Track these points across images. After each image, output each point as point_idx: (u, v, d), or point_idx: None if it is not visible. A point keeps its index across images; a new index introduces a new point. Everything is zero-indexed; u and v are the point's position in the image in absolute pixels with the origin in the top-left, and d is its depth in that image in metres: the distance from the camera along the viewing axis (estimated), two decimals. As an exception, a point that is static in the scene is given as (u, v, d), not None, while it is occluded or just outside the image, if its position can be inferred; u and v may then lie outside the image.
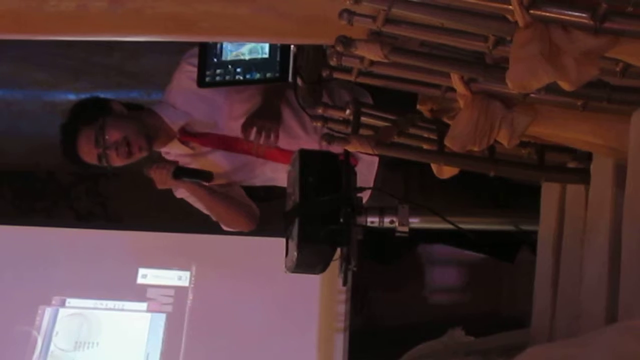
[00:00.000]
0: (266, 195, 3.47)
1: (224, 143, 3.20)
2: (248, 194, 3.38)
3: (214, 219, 3.33)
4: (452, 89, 1.89)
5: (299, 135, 3.16)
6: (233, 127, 3.15)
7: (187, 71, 3.05)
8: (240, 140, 3.16)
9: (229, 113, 3.15)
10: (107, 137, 3.02)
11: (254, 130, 3.08)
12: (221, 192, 3.26)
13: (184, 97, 3.13)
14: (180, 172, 3.13)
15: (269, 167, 3.23)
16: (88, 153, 3.05)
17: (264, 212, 3.39)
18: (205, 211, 3.29)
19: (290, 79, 2.55)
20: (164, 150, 3.22)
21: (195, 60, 2.69)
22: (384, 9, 1.59)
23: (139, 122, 3.10)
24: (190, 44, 2.96)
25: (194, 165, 3.23)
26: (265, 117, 3.11)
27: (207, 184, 3.20)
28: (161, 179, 3.12)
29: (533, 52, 1.42)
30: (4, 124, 4.51)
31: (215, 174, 3.22)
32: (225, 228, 3.37)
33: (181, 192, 3.27)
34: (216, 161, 3.22)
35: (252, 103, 3.14)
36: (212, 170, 3.21)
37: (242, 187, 3.36)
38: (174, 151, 3.21)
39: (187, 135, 3.19)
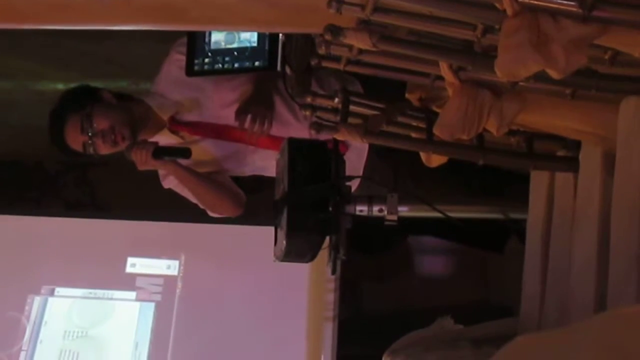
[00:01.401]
0: (256, 186, 3.46)
1: (214, 131, 3.19)
2: (238, 185, 3.37)
3: (200, 206, 3.32)
4: (441, 78, 1.89)
5: (290, 123, 3.15)
6: (223, 116, 3.15)
7: (177, 60, 3.04)
8: (230, 128, 3.16)
9: (218, 101, 3.15)
10: (94, 125, 3.02)
11: (249, 117, 3.08)
12: (207, 177, 3.25)
13: (173, 86, 3.13)
14: (160, 152, 3.12)
15: (259, 155, 3.22)
16: (75, 140, 3.05)
17: (253, 200, 3.38)
18: (193, 200, 3.29)
19: (278, 67, 2.55)
20: (153, 139, 3.21)
21: (185, 49, 2.69)
22: (372, -3, 1.59)
23: (127, 112, 3.10)
24: (180, 33, 2.95)
25: (184, 154, 3.22)
26: (258, 104, 3.11)
27: (186, 162, 3.17)
28: (141, 160, 3.09)
29: (522, 40, 1.42)
30: (-8, 113, 4.50)
31: (205, 162, 3.22)
32: (210, 214, 3.35)
33: (168, 182, 3.26)
34: (206, 150, 3.22)
35: (242, 91, 3.13)
36: (202, 159, 3.20)
37: (232, 178, 3.35)
38: (163, 140, 3.21)
39: (176, 124, 3.18)
